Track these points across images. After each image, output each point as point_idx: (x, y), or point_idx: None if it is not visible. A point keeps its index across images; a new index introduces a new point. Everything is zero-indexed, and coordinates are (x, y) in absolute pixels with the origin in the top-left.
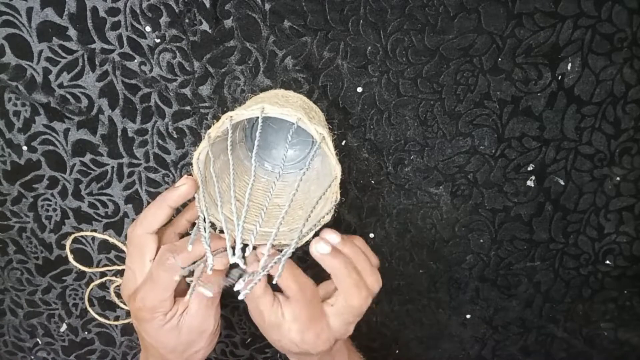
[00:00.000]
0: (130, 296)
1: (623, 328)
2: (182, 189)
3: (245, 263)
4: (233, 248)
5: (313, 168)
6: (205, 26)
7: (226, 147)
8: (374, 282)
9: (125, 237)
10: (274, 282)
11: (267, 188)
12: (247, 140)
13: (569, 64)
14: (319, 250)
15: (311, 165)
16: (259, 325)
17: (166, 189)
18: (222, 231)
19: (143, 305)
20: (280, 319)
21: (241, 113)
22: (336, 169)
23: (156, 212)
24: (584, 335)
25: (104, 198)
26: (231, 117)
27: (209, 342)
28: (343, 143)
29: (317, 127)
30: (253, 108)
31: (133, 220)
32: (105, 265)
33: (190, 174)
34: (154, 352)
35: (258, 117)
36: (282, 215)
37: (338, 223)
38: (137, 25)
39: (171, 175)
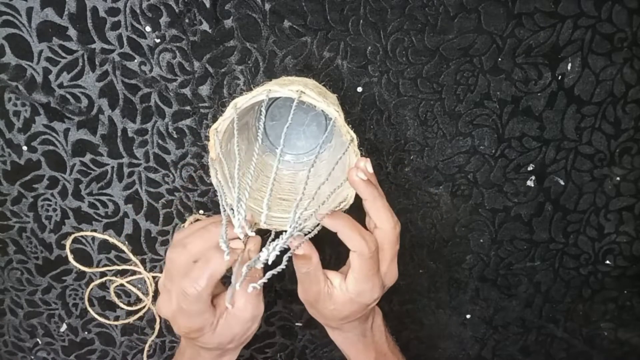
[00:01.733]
0: (171, 320)
1: (623, 328)
2: (238, 231)
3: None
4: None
5: (324, 160)
6: (205, 26)
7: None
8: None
9: (126, 237)
10: (292, 252)
11: (289, 179)
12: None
13: (569, 64)
14: (360, 176)
15: (321, 156)
16: (310, 301)
17: (166, 189)
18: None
19: (189, 330)
20: (331, 289)
21: (247, 97)
22: (350, 133)
23: (206, 248)
24: (584, 335)
25: (104, 198)
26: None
27: (260, 323)
28: None
29: (326, 102)
30: (259, 91)
31: (133, 220)
32: (105, 265)
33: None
34: (212, 350)
35: (266, 101)
36: (299, 200)
37: None
38: (137, 25)
39: (171, 176)
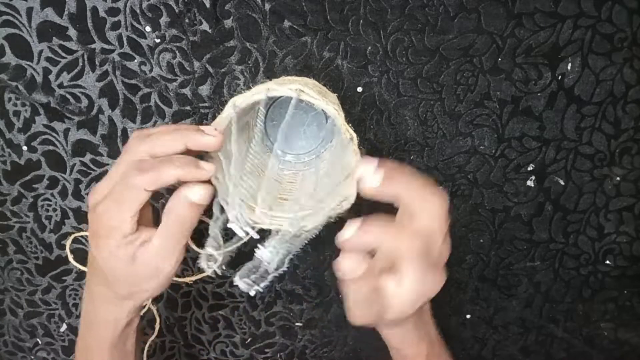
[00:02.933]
0: (93, 208)
1: (623, 328)
2: (210, 140)
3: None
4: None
5: (324, 159)
6: (205, 26)
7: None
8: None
9: None
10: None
11: (290, 179)
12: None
13: (569, 64)
14: (372, 185)
15: (322, 156)
16: (370, 323)
17: (166, 189)
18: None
19: (101, 219)
20: (387, 300)
21: (246, 96)
22: (350, 132)
23: (169, 144)
24: (584, 335)
25: None
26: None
27: (162, 284)
28: None
29: (325, 100)
30: (258, 89)
31: None
32: None
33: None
34: (99, 280)
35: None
36: (299, 199)
37: (338, 223)
38: (137, 25)
39: None
